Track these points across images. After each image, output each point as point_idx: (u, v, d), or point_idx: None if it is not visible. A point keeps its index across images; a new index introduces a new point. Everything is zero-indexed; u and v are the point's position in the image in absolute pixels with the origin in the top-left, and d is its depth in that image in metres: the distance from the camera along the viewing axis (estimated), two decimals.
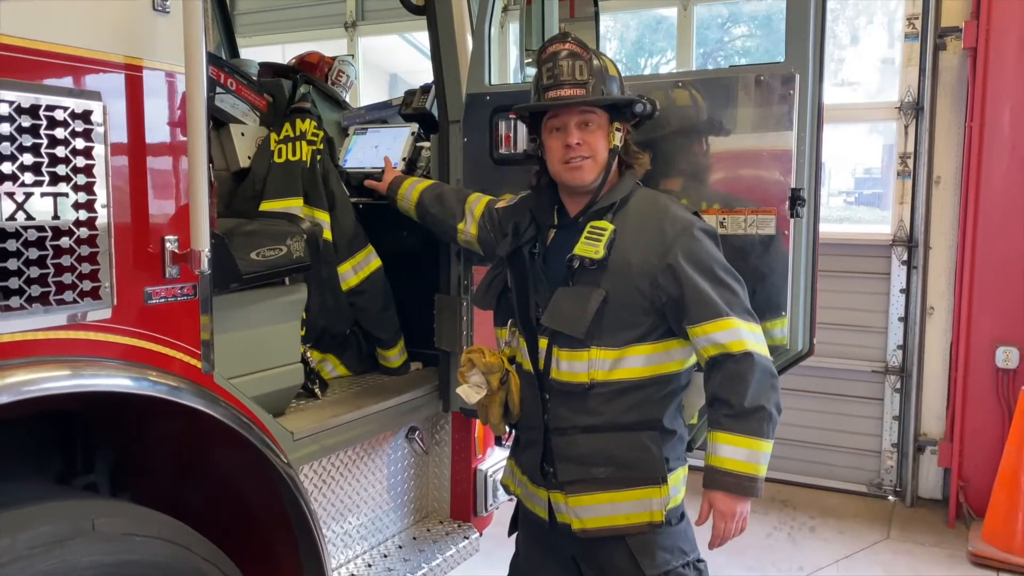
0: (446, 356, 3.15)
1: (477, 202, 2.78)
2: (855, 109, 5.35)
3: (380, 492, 3.04)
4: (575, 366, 2.26)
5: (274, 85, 3.43)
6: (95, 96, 1.77)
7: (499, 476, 3.32)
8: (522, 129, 2.86)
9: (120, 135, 1.83)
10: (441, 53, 3.05)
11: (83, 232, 1.75)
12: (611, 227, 2.23)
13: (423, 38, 7.07)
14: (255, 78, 3.44)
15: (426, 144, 3.27)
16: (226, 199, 3.17)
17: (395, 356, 3.32)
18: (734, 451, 2.13)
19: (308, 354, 2.99)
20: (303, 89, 3.43)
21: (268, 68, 3.71)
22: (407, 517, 3.20)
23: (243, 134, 3.22)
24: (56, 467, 2.28)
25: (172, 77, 1.93)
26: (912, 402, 5.18)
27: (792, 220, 2.43)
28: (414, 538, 3.14)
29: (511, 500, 3.47)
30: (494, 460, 3.34)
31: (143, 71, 1.87)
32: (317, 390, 2.96)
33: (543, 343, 2.33)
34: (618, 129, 2.27)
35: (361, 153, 3.35)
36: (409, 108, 3.37)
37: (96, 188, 1.77)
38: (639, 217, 2.26)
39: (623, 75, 2.37)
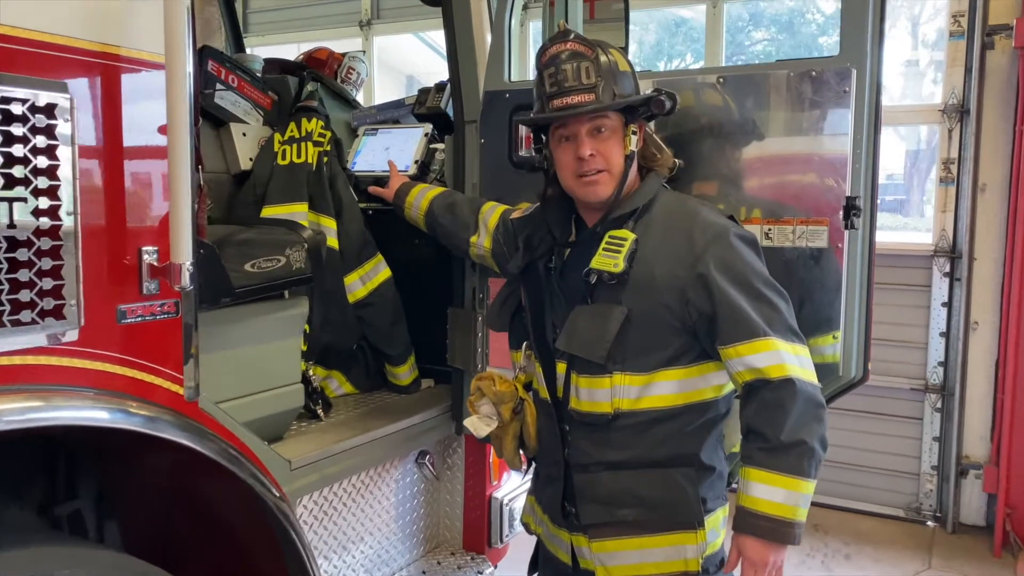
0: (459, 374, 2.92)
1: (491, 212, 2.54)
2: (894, 112, 5.06)
3: (387, 522, 2.81)
4: (596, 394, 2.01)
5: (279, 82, 3.22)
6: (60, 88, 1.56)
7: (516, 504, 3.10)
8: None
9: (90, 133, 1.62)
10: (457, 48, 2.82)
11: (44, 243, 1.54)
12: (632, 236, 1.98)
13: (441, 37, 6.91)
14: (259, 75, 3.22)
15: (440, 146, 3.04)
16: (225, 204, 2.96)
17: (405, 373, 3.09)
18: (769, 491, 1.87)
19: (311, 371, 2.77)
20: (310, 87, 3.20)
21: (274, 64, 3.49)
22: (416, 548, 2.97)
23: (245, 134, 3.00)
24: (38, 493, 2.09)
25: (152, 68, 1.71)
26: (954, 422, 4.89)
27: (847, 232, 2.18)
28: (423, 572, 2.90)
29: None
30: (510, 487, 3.10)
31: (118, 60, 1.66)
32: (320, 411, 2.73)
33: (561, 368, 2.09)
34: (634, 132, 2.01)
35: (371, 155, 3.13)
36: (423, 107, 3.14)
37: (60, 193, 1.56)
38: (665, 224, 2.01)
39: (639, 73, 2.10)
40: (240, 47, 3.92)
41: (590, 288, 2.00)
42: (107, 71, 1.65)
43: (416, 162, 3.02)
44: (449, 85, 2.98)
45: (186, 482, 2.11)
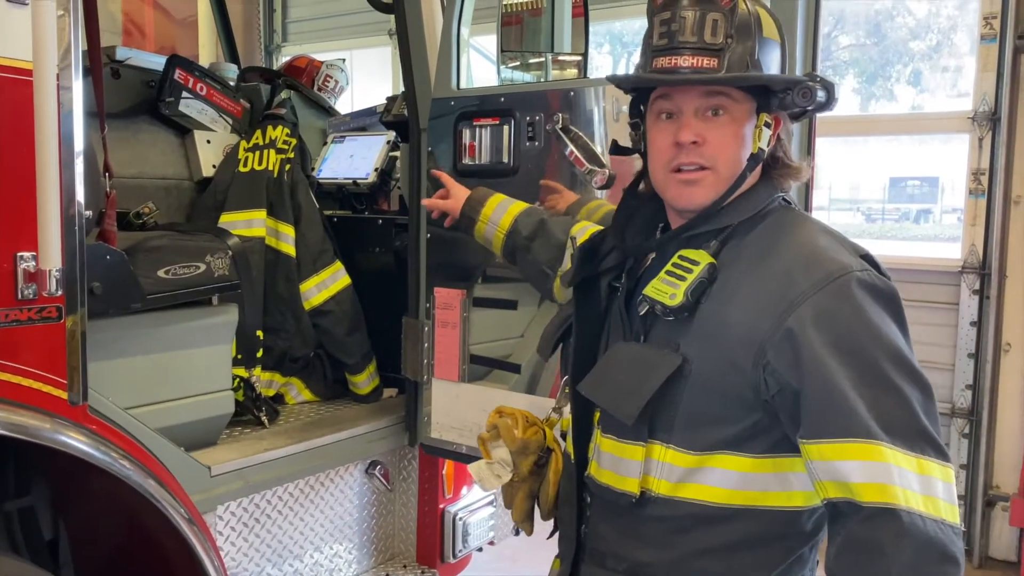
0: (413, 385, 2.88)
1: (583, 232, 2.00)
2: (921, 119, 4.80)
3: (331, 532, 2.78)
4: (621, 465, 1.49)
5: (252, 90, 3.25)
6: None
7: (471, 519, 3.04)
8: (486, 139, 2.57)
9: None
10: (411, 55, 2.79)
11: None
12: (707, 260, 1.42)
13: (477, 44, 6.90)
14: (233, 83, 3.26)
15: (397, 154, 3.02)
16: (186, 210, 3.00)
17: (364, 382, 3.07)
18: None
19: (256, 377, 2.78)
20: (283, 94, 3.23)
21: (255, 72, 3.54)
22: (367, 559, 2.93)
23: (209, 141, 3.05)
24: None
25: (29, 75, 1.73)
26: (982, 450, 4.57)
27: None
28: None
29: (488, 545, 3.18)
30: (466, 502, 3.04)
31: None
32: (264, 418, 2.73)
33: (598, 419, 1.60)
34: (767, 125, 1.43)
35: (336, 163, 3.13)
36: (389, 115, 3.13)
37: None
38: (761, 250, 1.43)
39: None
40: (235, 57, 3.99)
41: (644, 322, 1.49)
42: None
43: (376, 170, 3.01)
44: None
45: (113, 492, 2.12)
